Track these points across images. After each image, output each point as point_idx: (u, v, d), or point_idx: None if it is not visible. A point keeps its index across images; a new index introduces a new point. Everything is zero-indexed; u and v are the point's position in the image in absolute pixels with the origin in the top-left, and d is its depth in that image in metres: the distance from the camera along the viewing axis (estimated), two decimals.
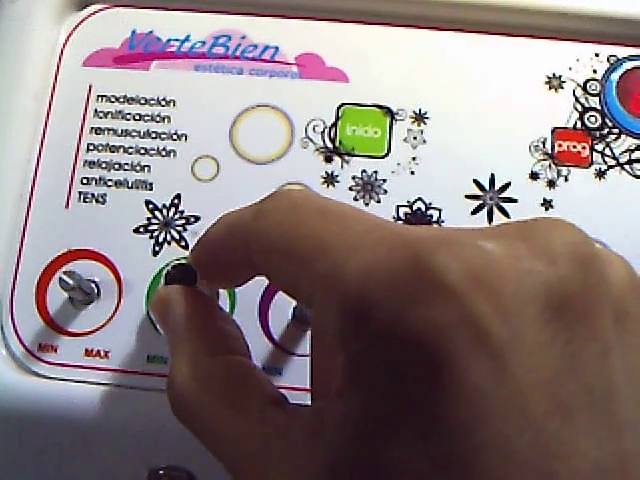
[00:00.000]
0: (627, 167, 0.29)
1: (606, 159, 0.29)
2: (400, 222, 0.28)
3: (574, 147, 0.29)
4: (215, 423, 0.18)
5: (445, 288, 0.14)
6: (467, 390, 0.14)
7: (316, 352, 0.18)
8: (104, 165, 0.29)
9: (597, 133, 0.29)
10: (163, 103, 0.29)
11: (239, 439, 0.17)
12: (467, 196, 0.28)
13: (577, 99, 0.29)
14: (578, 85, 0.30)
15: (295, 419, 0.17)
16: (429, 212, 0.28)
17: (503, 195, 0.28)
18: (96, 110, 0.29)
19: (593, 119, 0.29)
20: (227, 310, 0.27)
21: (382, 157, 0.29)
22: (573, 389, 0.14)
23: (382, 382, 0.15)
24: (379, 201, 0.28)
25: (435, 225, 0.28)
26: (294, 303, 0.26)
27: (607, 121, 0.29)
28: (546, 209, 0.28)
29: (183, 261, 0.23)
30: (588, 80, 0.30)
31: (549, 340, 0.14)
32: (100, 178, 0.28)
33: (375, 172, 0.28)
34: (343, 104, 0.29)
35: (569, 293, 0.15)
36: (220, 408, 0.18)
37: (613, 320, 0.15)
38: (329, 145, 0.29)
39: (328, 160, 0.29)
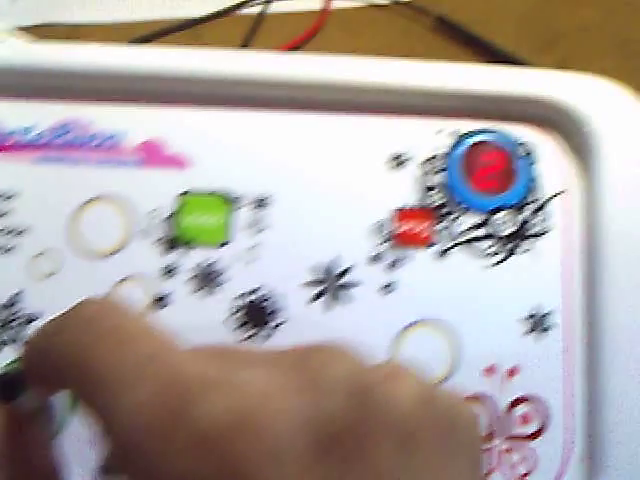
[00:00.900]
0: (469, 245, 0.28)
1: (448, 238, 0.29)
2: (240, 313, 0.28)
3: (416, 227, 0.29)
4: None
5: (204, 437, 0.14)
6: None
7: None
8: None
9: (440, 211, 0.29)
10: (4, 197, 0.29)
11: None
12: (309, 282, 0.28)
13: (420, 177, 0.29)
14: (421, 163, 0.29)
15: None
16: (270, 300, 0.28)
17: (344, 280, 0.28)
18: None
19: (436, 197, 0.29)
20: (57, 423, 0.26)
21: (222, 245, 0.28)
22: None
23: None
24: (220, 291, 0.28)
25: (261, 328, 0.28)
26: None
27: (450, 198, 0.29)
28: (387, 293, 0.28)
29: (17, 364, 0.23)
30: (431, 157, 0.29)
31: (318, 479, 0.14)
32: None
33: (215, 262, 0.28)
34: (183, 192, 0.29)
35: (341, 428, 0.14)
36: None
37: (395, 447, 0.15)
38: (169, 235, 0.29)
39: (168, 251, 0.28)
